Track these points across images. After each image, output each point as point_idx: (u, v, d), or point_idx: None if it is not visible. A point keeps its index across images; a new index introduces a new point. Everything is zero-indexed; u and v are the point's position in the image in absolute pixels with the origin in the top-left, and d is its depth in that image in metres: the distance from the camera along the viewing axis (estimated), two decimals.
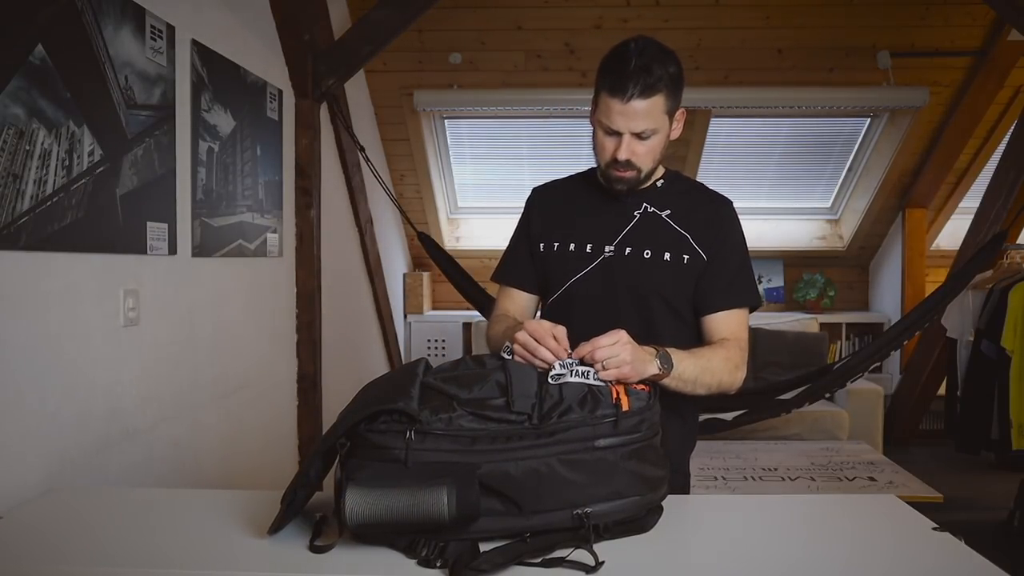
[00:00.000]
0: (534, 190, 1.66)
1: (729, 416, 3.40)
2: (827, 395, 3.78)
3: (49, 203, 1.62)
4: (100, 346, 1.80)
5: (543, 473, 1.09)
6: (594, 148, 1.47)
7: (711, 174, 4.66)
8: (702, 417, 3.38)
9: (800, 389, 3.41)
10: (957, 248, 4.25)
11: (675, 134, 1.47)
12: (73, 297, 1.71)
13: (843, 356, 4.47)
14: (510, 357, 1.24)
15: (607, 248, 1.49)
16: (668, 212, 1.50)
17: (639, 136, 1.39)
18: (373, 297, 4.23)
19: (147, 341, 1.99)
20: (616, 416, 1.12)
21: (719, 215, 1.54)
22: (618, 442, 1.12)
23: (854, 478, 3.31)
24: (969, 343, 3.71)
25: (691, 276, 1.49)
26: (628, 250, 1.48)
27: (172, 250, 2.11)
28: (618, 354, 1.19)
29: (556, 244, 1.54)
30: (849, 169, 4.70)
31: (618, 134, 1.39)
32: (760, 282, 5.08)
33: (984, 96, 4.05)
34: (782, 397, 3.43)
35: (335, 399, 3.09)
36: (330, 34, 3.20)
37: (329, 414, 3.03)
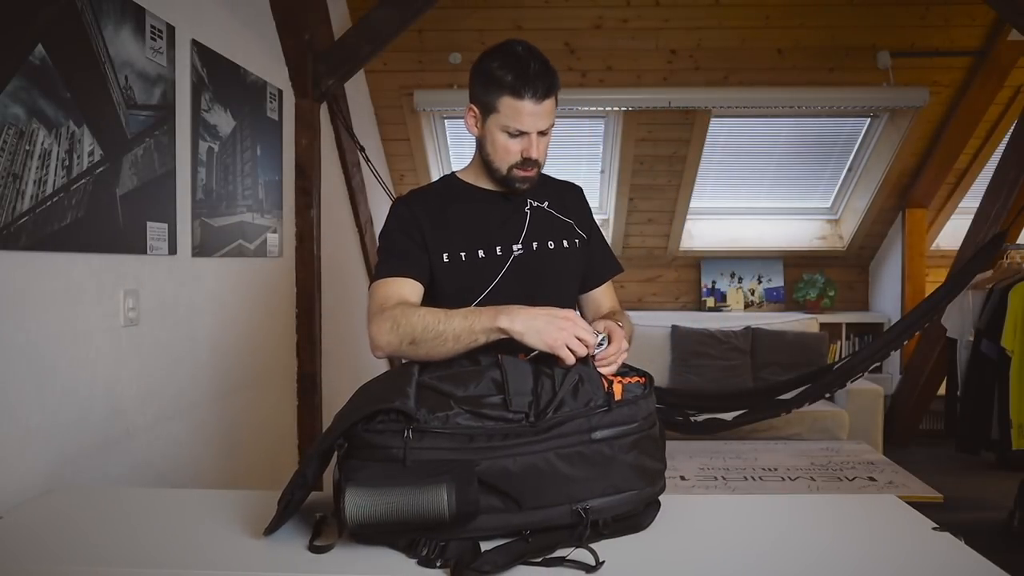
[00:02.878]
0: (403, 199, 1.56)
1: (729, 416, 3.41)
2: (827, 395, 3.78)
3: (49, 203, 1.62)
4: (100, 346, 1.80)
5: (541, 468, 1.09)
6: (490, 153, 1.48)
7: (711, 174, 4.66)
8: (702, 417, 3.39)
9: (800, 389, 3.41)
10: (957, 248, 4.25)
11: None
12: (73, 297, 1.71)
13: (843, 356, 4.47)
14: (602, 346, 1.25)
15: (515, 247, 1.51)
16: (547, 203, 1.58)
17: (543, 134, 1.47)
18: None
19: (147, 341, 2.00)
20: (608, 405, 1.12)
21: (581, 199, 1.67)
22: (614, 433, 1.12)
23: (854, 478, 3.31)
24: (969, 343, 3.71)
25: (583, 257, 1.60)
26: (535, 245, 1.53)
27: (172, 250, 2.11)
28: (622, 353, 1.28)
29: (463, 253, 1.48)
30: (849, 169, 4.70)
31: (525, 134, 1.45)
32: (760, 282, 5.08)
33: (984, 96, 4.04)
34: (782, 397, 3.43)
35: (335, 399, 3.09)
36: (330, 34, 3.20)
37: (329, 414, 3.02)
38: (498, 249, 1.50)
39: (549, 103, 1.45)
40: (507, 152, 1.46)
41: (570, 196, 1.65)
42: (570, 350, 1.18)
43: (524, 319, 1.22)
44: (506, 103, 1.42)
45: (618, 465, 1.12)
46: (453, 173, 1.62)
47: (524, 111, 1.42)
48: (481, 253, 1.50)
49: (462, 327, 1.26)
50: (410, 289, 1.45)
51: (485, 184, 1.55)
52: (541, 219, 1.56)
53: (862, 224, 4.86)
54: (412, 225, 1.50)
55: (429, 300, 1.49)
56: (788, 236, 5.01)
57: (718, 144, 4.48)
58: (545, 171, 1.65)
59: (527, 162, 1.47)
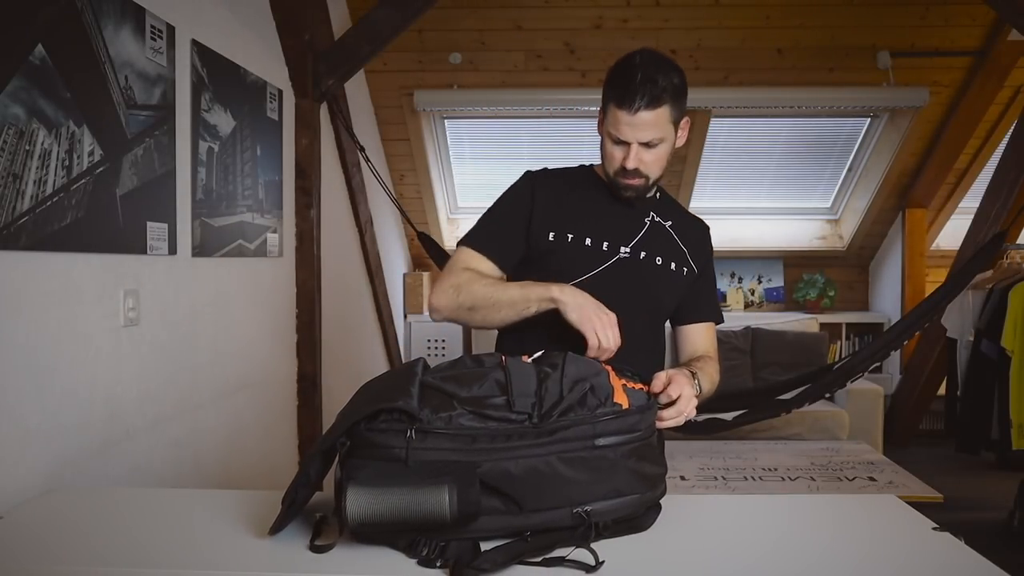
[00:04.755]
0: (532, 174, 1.60)
1: (729, 416, 3.40)
2: (827, 395, 3.78)
3: (49, 203, 1.62)
4: (100, 346, 1.80)
5: (543, 471, 1.09)
6: (602, 156, 1.51)
7: (711, 174, 4.66)
8: (702, 417, 3.38)
9: (800, 389, 3.40)
10: (957, 248, 4.25)
11: (680, 142, 1.52)
12: (73, 297, 1.71)
13: (843, 356, 4.47)
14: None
15: (623, 249, 1.51)
16: (671, 224, 1.59)
17: (647, 145, 1.44)
18: (373, 297, 4.23)
19: (147, 341, 2.00)
20: (616, 415, 1.12)
21: (706, 237, 1.68)
22: (618, 441, 1.12)
23: (854, 478, 3.31)
24: (969, 343, 3.71)
25: (685, 287, 1.59)
26: (643, 254, 1.53)
27: (172, 250, 2.11)
28: (690, 408, 1.27)
29: (570, 235, 1.50)
30: (849, 169, 4.70)
31: (626, 144, 1.44)
32: (760, 282, 5.08)
33: (984, 96, 4.05)
34: (782, 397, 3.43)
35: (335, 399, 3.09)
36: (330, 34, 3.20)
37: (329, 414, 3.02)
38: (605, 244, 1.51)
39: (650, 116, 1.40)
40: (611, 158, 1.48)
41: (695, 230, 1.64)
42: (597, 339, 1.27)
43: (574, 294, 1.34)
44: (611, 111, 1.44)
45: (620, 470, 1.12)
46: (591, 165, 1.62)
47: (622, 120, 1.42)
48: (588, 241, 1.51)
49: (519, 295, 1.38)
50: (487, 267, 1.51)
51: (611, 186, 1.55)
52: (658, 234, 1.56)
53: (862, 224, 4.86)
54: (524, 201, 1.54)
55: (531, 277, 1.50)
56: (788, 236, 5.01)
57: (718, 144, 4.48)
58: (642, 181, 1.60)
59: (628, 171, 1.46)
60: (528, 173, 1.60)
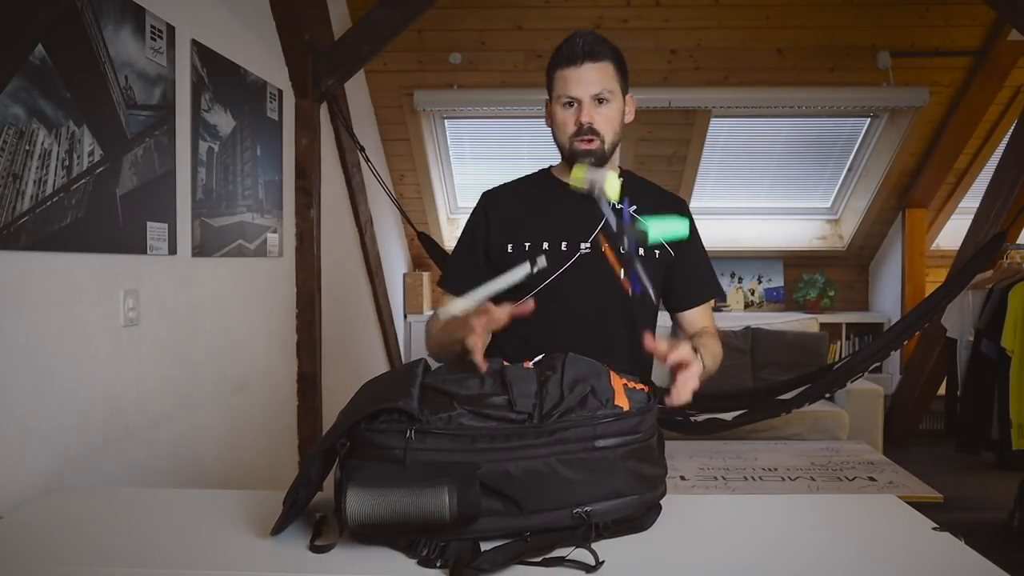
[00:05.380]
0: (486, 194, 1.66)
1: (729, 416, 3.40)
2: (827, 395, 3.78)
3: (49, 203, 1.62)
4: (100, 346, 1.80)
5: (543, 473, 1.09)
6: (556, 132, 1.52)
7: (711, 174, 4.66)
8: (702, 417, 3.39)
9: (800, 389, 3.41)
10: (957, 248, 4.25)
11: (629, 117, 1.55)
12: (73, 297, 1.71)
13: (843, 356, 4.47)
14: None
15: (583, 245, 1.52)
16: (634, 208, 1.55)
17: (597, 100, 1.46)
18: (373, 297, 4.23)
19: (147, 341, 1.99)
20: (617, 416, 1.12)
21: (681, 213, 1.60)
22: (618, 442, 1.12)
23: (854, 478, 3.31)
24: (969, 343, 3.71)
25: (661, 269, 1.57)
26: (604, 246, 1.52)
27: (172, 250, 2.11)
28: (694, 381, 1.26)
29: (527, 243, 1.53)
30: (849, 169, 4.70)
31: (577, 102, 1.46)
32: (760, 282, 5.08)
33: (984, 96, 4.05)
34: (782, 397, 3.43)
35: (335, 399, 3.09)
36: (330, 34, 3.20)
37: (329, 414, 3.03)
38: (564, 244, 1.52)
39: (596, 67, 1.45)
40: (564, 125, 1.49)
41: (668, 206, 1.59)
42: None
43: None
44: (557, 76, 1.48)
45: (620, 471, 1.12)
46: (549, 168, 1.65)
47: (569, 78, 1.45)
48: (546, 245, 1.52)
49: (450, 340, 1.37)
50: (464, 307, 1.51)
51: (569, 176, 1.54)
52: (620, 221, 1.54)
53: (862, 224, 4.86)
54: (480, 225, 1.60)
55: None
56: (788, 236, 5.01)
57: (718, 144, 4.48)
58: (598, 143, 1.58)
59: (582, 131, 1.47)
60: (483, 194, 1.66)
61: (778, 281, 5.08)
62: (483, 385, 1.16)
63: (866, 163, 4.59)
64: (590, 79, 1.45)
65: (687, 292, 1.62)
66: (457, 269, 1.63)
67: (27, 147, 1.55)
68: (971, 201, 4.50)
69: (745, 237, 4.97)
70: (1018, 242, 3.84)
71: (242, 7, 2.58)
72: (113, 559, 1.10)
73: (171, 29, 2.09)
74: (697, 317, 1.63)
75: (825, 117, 4.35)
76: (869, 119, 4.37)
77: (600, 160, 1.50)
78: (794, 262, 5.06)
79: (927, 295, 3.76)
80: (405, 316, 4.97)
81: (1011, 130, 3.97)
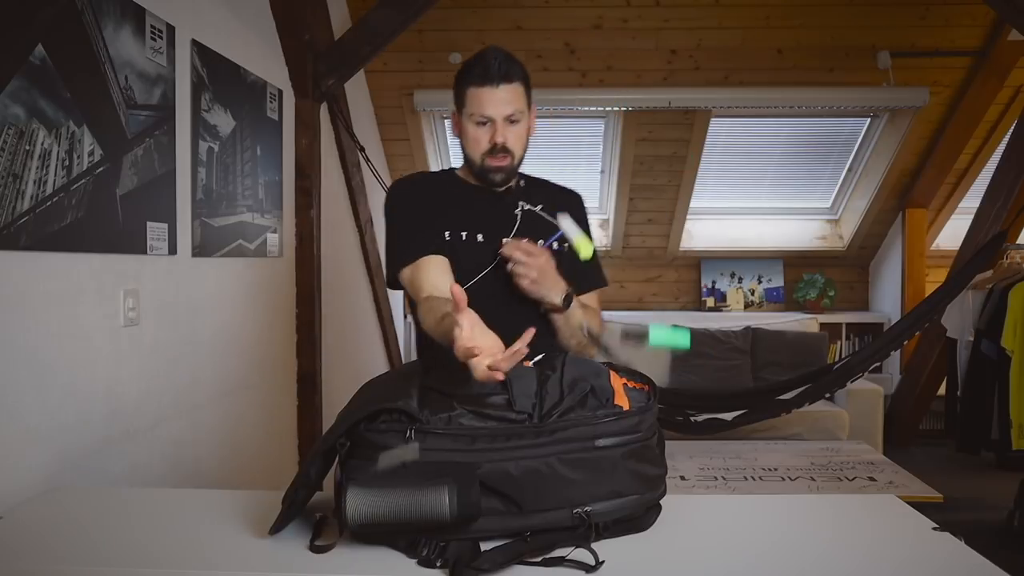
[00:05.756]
0: (404, 179, 1.66)
1: (729, 416, 3.41)
2: (827, 395, 3.78)
3: (49, 203, 1.62)
4: (100, 346, 1.80)
5: (543, 472, 1.09)
6: (467, 147, 1.55)
7: (711, 174, 4.66)
8: (702, 417, 3.39)
9: (800, 389, 3.41)
10: (957, 248, 4.25)
11: (533, 131, 1.60)
12: (73, 297, 1.71)
13: (843, 356, 4.47)
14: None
15: (504, 241, 1.55)
16: (541, 207, 1.62)
17: (510, 120, 1.51)
18: (373, 297, 4.23)
19: (147, 341, 2.00)
20: (617, 416, 1.12)
21: (578, 207, 1.69)
22: (617, 442, 1.12)
23: (854, 478, 3.31)
24: (969, 343, 3.71)
25: (569, 262, 1.61)
26: (524, 242, 1.54)
27: (172, 250, 2.11)
28: (530, 269, 1.43)
29: (464, 233, 1.54)
30: (849, 169, 4.70)
31: (491, 122, 1.50)
32: (760, 282, 5.08)
33: (984, 96, 4.04)
34: (782, 397, 3.43)
35: (335, 399, 3.09)
36: (330, 34, 3.20)
37: (329, 414, 3.03)
38: (479, 236, 1.55)
39: (510, 89, 1.49)
40: (477, 142, 1.52)
41: (567, 202, 1.67)
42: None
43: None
44: (470, 94, 1.50)
45: (620, 471, 1.12)
46: (453, 168, 1.67)
47: (484, 98, 1.48)
48: (479, 238, 1.55)
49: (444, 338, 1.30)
50: (439, 271, 1.49)
51: (479, 179, 1.59)
52: (531, 221, 1.60)
53: (862, 224, 4.86)
54: (418, 199, 1.59)
55: None
56: (788, 236, 5.01)
57: (718, 144, 4.48)
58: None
59: (495, 149, 1.51)
60: (400, 182, 1.66)
61: (778, 281, 5.08)
62: (483, 385, 1.16)
63: (866, 163, 4.59)
64: (504, 100, 1.49)
65: (582, 281, 1.65)
66: (415, 238, 1.54)
67: (27, 147, 1.55)
68: (971, 201, 4.50)
69: (745, 237, 4.96)
70: (1018, 242, 3.84)
71: (242, 7, 2.58)
72: (113, 559, 1.10)
73: (171, 29, 2.09)
74: (588, 301, 1.67)
75: (825, 117, 4.35)
76: (869, 119, 4.37)
77: (508, 177, 1.57)
78: (794, 262, 5.06)
79: (927, 295, 3.76)
80: (405, 316, 4.97)
81: (1011, 130, 3.96)
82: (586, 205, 1.73)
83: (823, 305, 4.98)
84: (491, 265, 1.53)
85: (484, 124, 1.51)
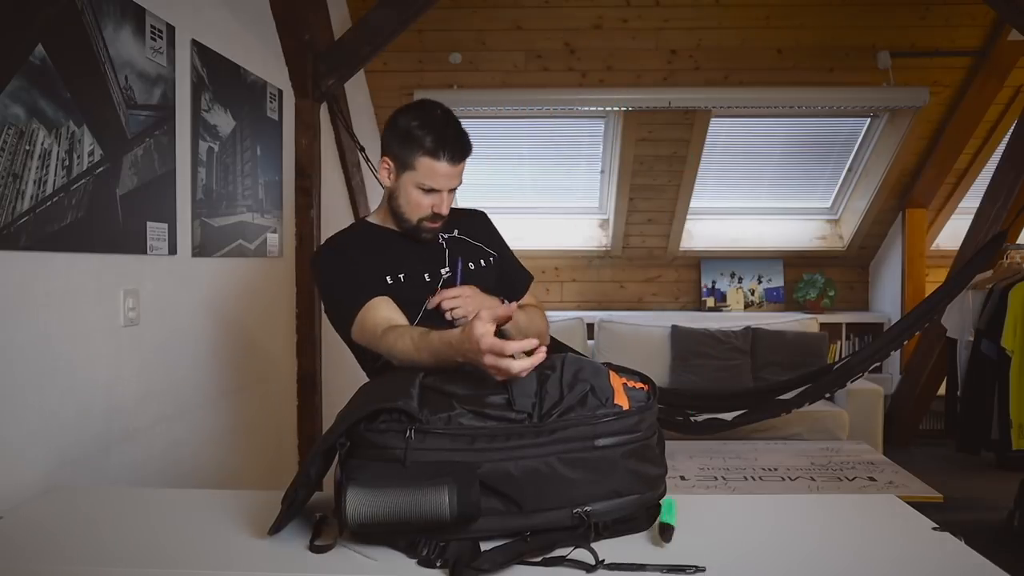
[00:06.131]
0: (329, 245, 1.63)
1: (729, 416, 3.40)
2: (827, 395, 3.78)
3: (49, 203, 1.62)
4: (100, 346, 1.80)
5: (543, 472, 1.09)
6: (403, 206, 1.57)
7: (711, 174, 4.66)
8: (702, 417, 3.39)
9: (800, 389, 3.41)
10: (957, 248, 4.25)
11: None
12: (73, 297, 1.71)
13: (843, 356, 4.47)
14: None
15: (443, 271, 1.62)
16: (457, 232, 1.69)
17: (452, 191, 1.57)
18: None
19: (147, 341, 2.00)
20: (617, 415, 1.12)
21: (486, 223, 1.79)
22: (617, 441, 1.12)
23: (854, 478, 3.31)
24: (969, 343, 3.71)
25: (496, 274, 1.72)
26: (445, 291, 1.59)
27: (172, 250, 2.11)
28: (465, 304, 1.49)
29: (402, 275, 1.57)
30: (849, 169, 4.70)
31: (437, 192, 1.54)
32: (760, 282, 5.08)
33: (984, 96, 4.04)
34: (782, 397, 3.43)
35: (335, 399, 3.09)
36: (330, 34, 3.20)
37: (329, 414, 3.02)
38: (426, 275, 1.60)
39: (462, 165, 1.56)
40: (418, 207, 1.55)
41: (476, 222, 1.76)
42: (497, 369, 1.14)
43: (464, 354, 1.20)
44: (423, 163, 1.51)
45: (620, 471, 1.12)
46: (365, 217, 1.72)
47: (439, 172, 1.51)
48: (424, 276, 1.60)
49: (433, 362, 1.29)
50: (389, 308, 1.51)
51: (396, 228, 1.64)
52: (456, 246, 1.68)
53: (862, 224, 4.86)
54: (349, 260, 1.58)
55: None
56: (788, 236, 5.01)
57: (718, 144, 4.48)
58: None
59: (436, 216, 1.56)
60: (328, 244, 1.64)
61: (778, 281, 5.07)
62: (483, 384, 1.16)
63: (866, 163, 4.59)
64: (455, 175, 1.54)
65: (515, 283, 1.77)
66: (361, 283, 1.53)
67: (27, 147, 1.55)
68: (971, 201, 4.49)
69: (745, 237, 4.96)
70: (1018, 242, 3.84)
71: (242, 7, 2.59)
72: (113, 559, 1.10)
73: (171, 29, 2.09)
74: (528, 300, 1.79)
75: (825, 117, 4.35)
76: (869, 119, 4.37)
77: (438, 232, 1.63)
78: (794, 262, 5.06)
79: (927, 295, 3.76)
80: None
81: (1011, 130, 3.96)
82: (492, 218, 1.82)
83: (823, 305, 4.98)
84: (434, 294, 1.57)
85: (429, 193, 1.54)
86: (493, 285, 1.70)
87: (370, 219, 1.69)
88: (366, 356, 1.58)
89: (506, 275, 1.76)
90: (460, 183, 1.58)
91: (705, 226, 4.97)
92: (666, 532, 1.12)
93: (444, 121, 1.53)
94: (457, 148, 1.52)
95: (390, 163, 1.57)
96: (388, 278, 1.57)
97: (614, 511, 1.12)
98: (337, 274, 1.58)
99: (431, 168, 1.51)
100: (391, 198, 1.59)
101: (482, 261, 1.69)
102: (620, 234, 4.77)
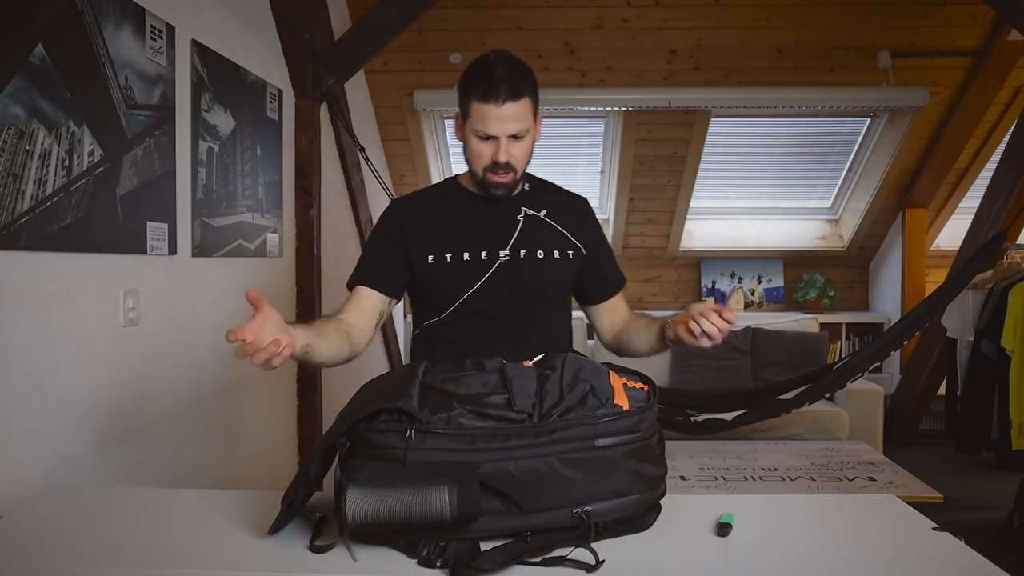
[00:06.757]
0: (397, 203, 1.66)
1: (729, 416, 3.40)
2: (827, 395, 3.78)
3: (49, 203, 1.62)
4: (100, 346, 1.80)
5: (543, 472, 1.09)
6: (469, 158, 1.53)
7: (711, 174, 4.66)
8: (702, 417, 3.39)
9: (800, 389, 3.41)
10: (957, 248, 4.25)
11: (538, 138, 1.56)
12: (73, 297, 1.71)
13: (843, 356, 4.47)
14: None
15: (502, 253, 1.54)
16: (545, 212, 1.60)
17: (514, 137, 1.47)
18: None
19: (147, 341, 1.99)
20: (617, 416, 1.12)
21: (586, 212, 1.69)
22: (617, 441, 1.12)
23: (854, 478, 3.31)
24: (969, 343, 3.71)
25: (575, 269, 1.62)
26: (523, 252, 1.55)
27: (172, 250, 2.11)
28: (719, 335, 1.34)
29: (448, 255, 1.54)
30: (849, 169, 4.70)
31: (494, 139, 1.46)
32: (760, 282, 5.08)
33: (984, 96, 4.04)
34: (782, 397, 3.43)
35: (335, 399, 3.09)
36: (330, 34, 3.20)
37: (329, 414, 3.02)
38: (483, 254, 1.54)
39: (516, 107, 1.44)
40: (479, 156, 1.49)
41: (571, 208, 1.66)
42: None
43: None
44: (475, 108, 1.45)
45: (620, 471, 1.12)
46: (456, 176, 1.66)
47: (489, 115, 1.44)
48: (466, 256, 1.54)
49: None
50: (365, 299, 1.56)
51: (477, 189, 1.58)
52: (534, 227, 1.58)
53: (862, 224, 4.86)
54: (396, 230, 1.58)
55: (420, 301, 1.63)
56: (788, 236, 5.01)
57: (718, 144, 4.48)
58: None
59: (497, 166, 1.48)
60: (394, 203, 1.66)
61: (778, 281, 5.08)
62: (483, 384, 1.16)
63: (866, 163, 4.59)
64: (509, 118, 1.44)
65: (603, 285, 1.69)
66: (370, 264, 1.59)
67: (27, 147, 1.55)
68: (971, 201, 4.49)
69: (745, 237, 4.97)
70: (1018, 242, 3.84)
71: (242, 7, 2.58)
72: (113, 559, 1.10)
73: (171, 29, 2.09)
74: (617, 304, 1.71)
75: (825, 117, 4.35)
76: (869, 119, 4.37)
77: (511, 191, 1.54)
78: (794, 262, 5.07)
79: (927, 295, 3.76)
80: (405, 316, 4.97)
81: (1011, 130, 3.96)
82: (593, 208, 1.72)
83: (823, 305, 4.98)
84: (484, 277, 1.53)
85: (487, 140, 1.47)
86: (567, 280, 1.62)
87: (460, 178, 1.64)
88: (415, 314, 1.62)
89: (593, 274, 1.66)
90: (523, 128, 1.47)
91: (705, 226, 4.97)
92: (723, 530, 1.17)
93: (494, 63, 1.44)
94: (503, 87, 1.42)
95: (459, 117, 1.52)
96: (430, 257, 1.54)
97: (614, 511, 1.12)
98: (373, 240, 1.62)
99: (481, 113, 1.44)
100: (463, 154, 1.54)
101: (556, 252, 1.58)
102: (620, 234, 4.77)
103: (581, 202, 1.70)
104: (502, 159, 1.47)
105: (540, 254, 1.56)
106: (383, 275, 1.57)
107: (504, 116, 1.44)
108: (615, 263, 1.73)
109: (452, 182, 1.65)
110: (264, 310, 1.21)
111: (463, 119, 1.51)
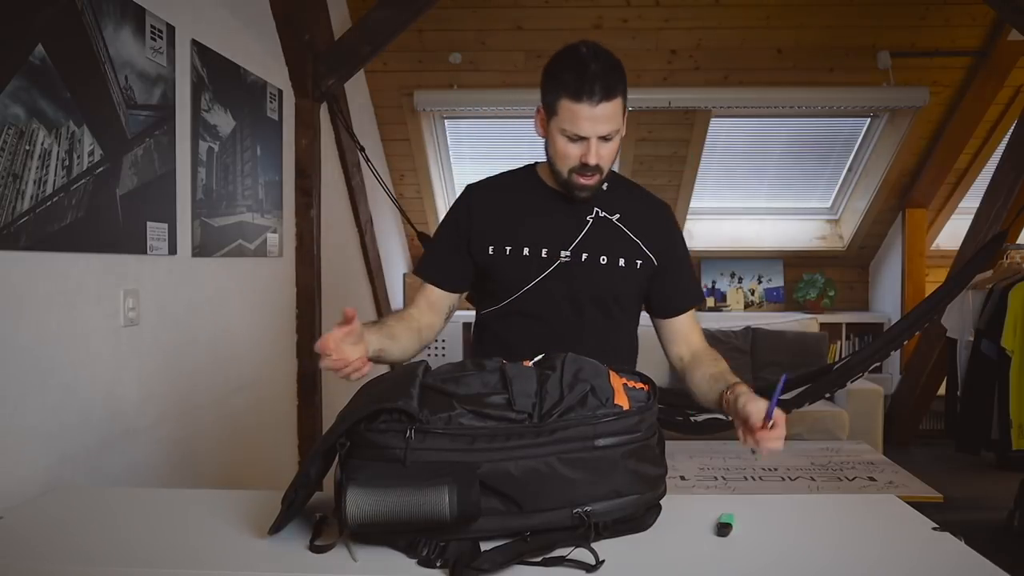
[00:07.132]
0: (471, 188, 1.59)
1: (729, 416, 3.40)
2: (827, 395, 3.78)
3: (49, 203, 1.62)
4: (100, 346, 1.80)
5: (543, 472, 1.09)
6: (552, 156, 1.44)
7: (711, 174, 4.66)
8: (702, 417, 3.38)
9: (800, 389, 3.40)
10: (957, 248, 4.25)
11: (623, 133, 1.47)
12: (73, 297, 1.71)
13: (843, 356, 4.47)
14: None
15: (563, 253, 1.48)
16: (618, 216, 1.51)
17: (604, 138, 1.38)
18: (373, 297, 4.23)
19: (147, 341, 1.99)
20: (617, 416, 1.12)
21: (665, 220, 1.58)
22: (617, 441, 1.12)
23: (854, 478, 3.31)
24: (969, 343, 3.70)
25: (642, 280, 1.53)
26: (584, 256, 1.48)
27: (172, 250, 2.11)
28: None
29: (508, 248, 1.49)
30: (849, 169, 4.70)
31: (584, 139, 1.38)
32: (760, 282, 5.08)
33: (984, 96, 4.04)
34: (782, 397, 3.42)
35: (335, 399, 3.09)
36: (330, 34, 3.20)
37: (329, 414, 3.02)
38: (544, 252, 1.48)
39: (609, 107, 1.35)
40: (566, 156, 1.41)
41: (652, 215, 1.56)
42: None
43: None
44: (564, 106, 1.36)
45: (620, 471, 1.12)
46: (534, 164, 1.58)
47: (581, 115, 1.35)
48: (526, 251, 1.48)
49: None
50: (433, 294, 1.56)
51: (555, 183, 1.50)
52: (602, 230, 1.50)
53: (862, 224, 4.86)
54: (463, 219, 1.54)
55: (480, 288, 1.58)
56: (788, 236, 5.01)
57: (718, 144, 4.48)
58: (598, 178, 1.59)
59: (586, 168, 1.40)
60: (468, 188, 1.59)
61: (778, 281, 5.08)
62: (483, 384, 1.16)
63: (866, 163, 4.59)
64: (602, 119, 1.35)
65: (671, 300, 1.56)
66: (436, 257, 1.59)
67: (27, 147, 1.55)
68: (971, 201, 4.49)
69: (745, 237, 4.96)
70: (1018, 242, 3.83)
71: (242, 7, 2.58)
72: (113, 559, 1.10)
73: (171, 29, 2.09)
74: (682, 324, 1.57)
75: (825, 117, 4.35)
76: (869, 119, 4.37)
77: (595, 193, 1.47)
78: (794, 262, 5.06)
79: (927, 295, 3.76)
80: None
81: (1011, 130, 3.96)
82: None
83: (823, 305, 4.98)
84: (540, 276, 1.48)
85: (576, 141, 1.38)
86: (630, 290, 1.52)
87: (538, 168, 1.56)
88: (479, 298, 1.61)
89: (663, 286, 1.54)
90: (615, 129, 1.38)
91: (705, 226, 4.97)
92: (723, 530, 1.17)
93: (587, 58, 1.34)
94: (598, 86, 1.32)
95: (542, 111, 1.43)
96: (491, 248, 1.49)
97: (614, 511, 1.12)
98: (440, 227, 1.62)
99: (572, 112, 1.35)
100: (545, 150, 1.46)
101: (622, 260, 1.48)
102: None
103: (662, 208, 1.58)
104: (592, 161, 1.38)
105: (603, 260, 1.48)
106: (449, 272, 1.55)
107: (597, 117, 1.35)
108: (692, 278, 1.61)
109: (531, 172, 1.57)
110: (354, 324, 1.25)
111: (547, 115, 1.41)
